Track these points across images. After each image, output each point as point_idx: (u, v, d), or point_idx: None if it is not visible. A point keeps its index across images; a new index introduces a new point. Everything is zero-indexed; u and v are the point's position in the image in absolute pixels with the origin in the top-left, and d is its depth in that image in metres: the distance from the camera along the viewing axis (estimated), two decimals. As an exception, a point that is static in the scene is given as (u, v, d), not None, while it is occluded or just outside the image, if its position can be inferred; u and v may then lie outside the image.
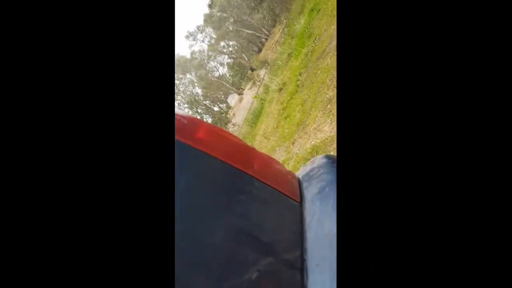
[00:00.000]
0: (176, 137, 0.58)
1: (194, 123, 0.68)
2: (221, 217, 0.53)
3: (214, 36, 18.76)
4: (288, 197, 0.69)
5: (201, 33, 19.36)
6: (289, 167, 4.62)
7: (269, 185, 0.66)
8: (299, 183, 0.78)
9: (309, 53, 6.01)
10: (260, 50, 17.20)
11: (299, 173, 0.88)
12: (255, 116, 8.77)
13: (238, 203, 0.57)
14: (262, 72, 11.71)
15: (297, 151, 4.63)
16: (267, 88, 8.83)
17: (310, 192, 0.73)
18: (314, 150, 4.04)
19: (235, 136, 0.80)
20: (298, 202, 0.71)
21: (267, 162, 0.77)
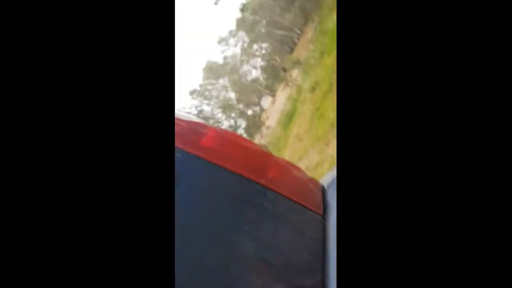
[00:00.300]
0: (177, 144, 0.52)
1: (197, 129, 0.61)
2: (224, 238, 0.46)
3: (247, 40, 18.94)
4: (308, 209, 0.59)
5: (233, 37, 19.65)
6: (323, 169, 4.43)
7: (284, 196, 0.58)
8: (323, 192, 0.68)
9: (343, 49, 5.73)
10: (292, 50, 17.01)
11: (325, 180, 0.77)
12: (288, 118, 8.64)
13: (246, 220, 0.49)
14: (294, 72, 11.54)
15: (332, 152, 4.43)
16: (299, 88, 8.66)
17: (335, 203, 0.63)
18: (350, 151, 3.81)
19: (249, 141, 0.72)
20: (320, 214, 0.61)
21: (285, 169, 0.68)
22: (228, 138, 0.65)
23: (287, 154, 6.76)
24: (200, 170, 0.54)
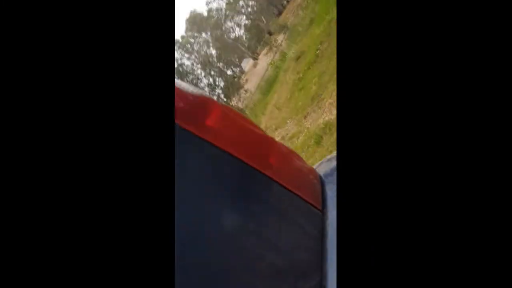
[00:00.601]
0: (178, 121, 0.46)
1: (203, 105, 0.55)
2: (229, 239, 0.42)
3: (233, -6, 17.72)
4: (309, 204, 0.57)
5: (220, -11, 18.27)
6: (298, 141, 4.50)
7: (289, 189, 0.55)
8: (322, 183, 0.66)
9: (333, 20, 5.58)
10: (280, 13, 16.26)
11: (320, 169, 0.75)
12: (269, 84, 8.50)
13: (252, 217, 0.46)
14: (280, 37, 11.15)
15: (309, 126, 4.49)
16: (283, 56, 8.44)
17: (333, 196, 0.61)
18: (327, 127, 3.89)
19: (252, 123, 0.67)
20: (319, 209, 0.60)
21: (288, 157, 0.65)
22: (233, 119, 0.59)
23: (264, 121, 6.74)
24: (205, 156, 0.48)
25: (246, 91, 11.34)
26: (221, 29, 17.93)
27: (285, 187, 0.55)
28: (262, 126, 6.46)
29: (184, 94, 0.50)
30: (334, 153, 0.84)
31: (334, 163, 0.76)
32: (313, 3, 8.25)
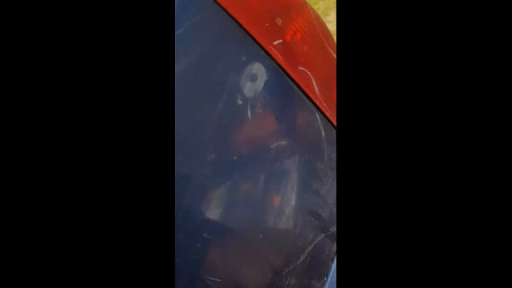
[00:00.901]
0: (259, 36, 0.33)
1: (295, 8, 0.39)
2: (294, 195, 0.40)
3: None
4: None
5: None
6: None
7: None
8: None
9: None
10: None
11: None
12: None
13: (316, 174, 0.43)
14: None
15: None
16: None
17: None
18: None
19: (331, 40, 0.52)
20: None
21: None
22: (317, 39, 0.44)
23: None
24: (274, 81, 0.37)
25: None
26: None
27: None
28: None
29: None
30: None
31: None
32: None
